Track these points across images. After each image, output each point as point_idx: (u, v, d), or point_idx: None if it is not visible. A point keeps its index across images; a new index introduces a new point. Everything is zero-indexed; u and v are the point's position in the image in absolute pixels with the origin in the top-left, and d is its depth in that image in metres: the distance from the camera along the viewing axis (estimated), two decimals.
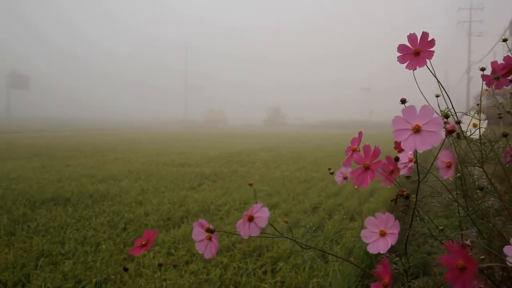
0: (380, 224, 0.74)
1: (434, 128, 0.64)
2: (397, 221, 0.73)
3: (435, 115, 0.67)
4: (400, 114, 0.68)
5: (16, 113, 57.43)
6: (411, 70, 0.93)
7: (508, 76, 0.93)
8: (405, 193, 0.78)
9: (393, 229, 0.73)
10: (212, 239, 0.78)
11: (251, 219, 0.78)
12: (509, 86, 0.97)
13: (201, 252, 0.79)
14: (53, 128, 27.48)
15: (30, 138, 16.30)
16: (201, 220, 0.80)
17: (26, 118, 47.36)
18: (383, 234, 0.73)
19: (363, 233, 0.75)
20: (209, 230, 0.77)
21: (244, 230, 0.78)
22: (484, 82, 0.95)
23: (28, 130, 23.57)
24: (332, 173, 0.99)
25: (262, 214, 0.78)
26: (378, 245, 0.73)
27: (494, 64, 0.94)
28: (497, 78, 0.92)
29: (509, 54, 0.93)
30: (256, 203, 0.80)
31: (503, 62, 0.93)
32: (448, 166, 0.72)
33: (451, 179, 0.99)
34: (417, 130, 0.65)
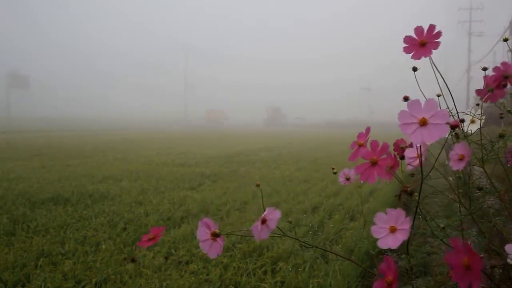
0: (390, 220, 0.73)
1: (440, 120, 0.65)
2: (408, 217, 0.72)
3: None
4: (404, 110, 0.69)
5: (16, 112, 57.39)
6: (411, 70, 0.93)
7: (501, 88, 0.95)
8: (408, 189, 0.78)
9: (404, 225, 0.71)
10: (217, 239, 0.77)
11: (264, 221, 0.76)
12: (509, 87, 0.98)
13: (205, 252, 0.78)
14: (53, 127, 27.44)
15: (30, 138, 16.29)
16: (207, 220, 0.79)
17: (26, 117, 47.28)
18: (393, 230, 0.72)
19: (374, 228, 0.74)
20: (215, 234, 0.77)
21: (257, 233, 0.77)
22: (479, 97, 0.97)
23: (28, 130, 23.54)
24: (335, 173, 0.99)
25: (273, 216, 0.77)
26: (388, 241, 0.71)
27: (486, 78, 0.97)
28: (492, 91, 0.95)
29: (508, 55, 0.94)
30: (264, 205, 0.78)
31: (494, 74, 0.95)
32: (461, 159, 0.72)
33: (451, 179, 0.99)
34: (423, 123, 0.66)
